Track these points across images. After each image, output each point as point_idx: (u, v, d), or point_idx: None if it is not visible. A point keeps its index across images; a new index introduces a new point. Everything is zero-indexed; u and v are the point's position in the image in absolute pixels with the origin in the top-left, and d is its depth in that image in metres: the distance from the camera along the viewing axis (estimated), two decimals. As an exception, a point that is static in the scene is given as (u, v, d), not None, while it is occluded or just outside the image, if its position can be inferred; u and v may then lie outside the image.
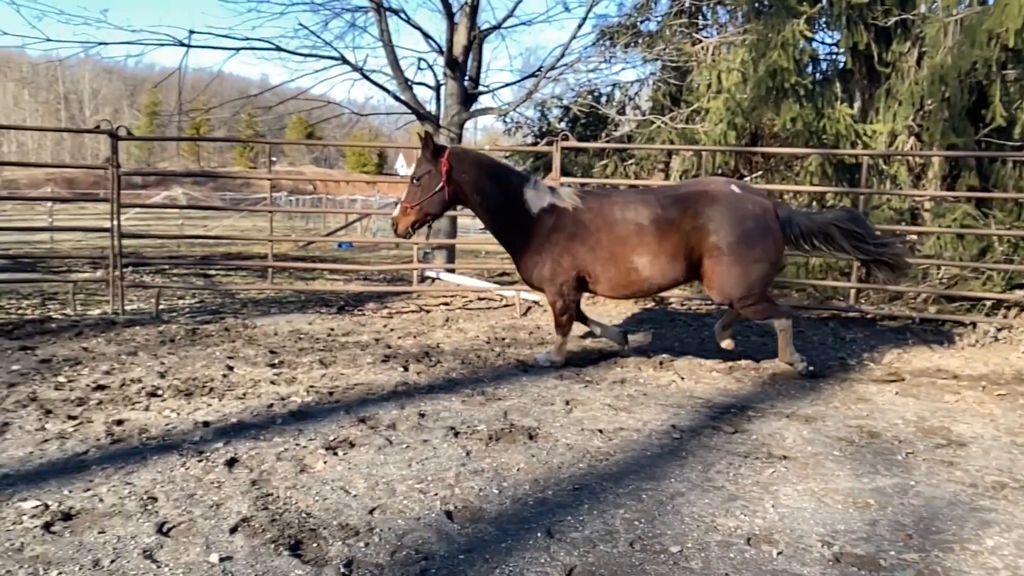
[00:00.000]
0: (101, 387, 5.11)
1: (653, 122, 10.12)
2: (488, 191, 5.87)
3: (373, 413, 4.73)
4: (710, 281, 5.72)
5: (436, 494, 3.55)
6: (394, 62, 10.44)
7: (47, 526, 3.09)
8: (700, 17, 11.57)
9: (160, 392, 5.02)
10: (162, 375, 5.50)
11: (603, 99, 11.99)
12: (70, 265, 11.36)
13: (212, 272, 11.32)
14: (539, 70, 10.62)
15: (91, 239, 16.00)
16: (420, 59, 11.26)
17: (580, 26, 9.83)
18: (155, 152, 76.48)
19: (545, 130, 11.97)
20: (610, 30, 11.92)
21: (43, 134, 78.08)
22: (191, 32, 8.71)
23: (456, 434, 4.37)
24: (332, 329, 7.48)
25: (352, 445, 4.16)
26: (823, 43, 10.57)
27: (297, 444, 4.15)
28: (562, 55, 9.90)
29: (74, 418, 4.45)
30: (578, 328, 6.46)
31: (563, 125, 11.77)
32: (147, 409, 4.68)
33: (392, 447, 4.15)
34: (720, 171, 10.17)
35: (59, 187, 49.23)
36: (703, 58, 10.36)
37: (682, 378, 5.82)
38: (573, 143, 8.48)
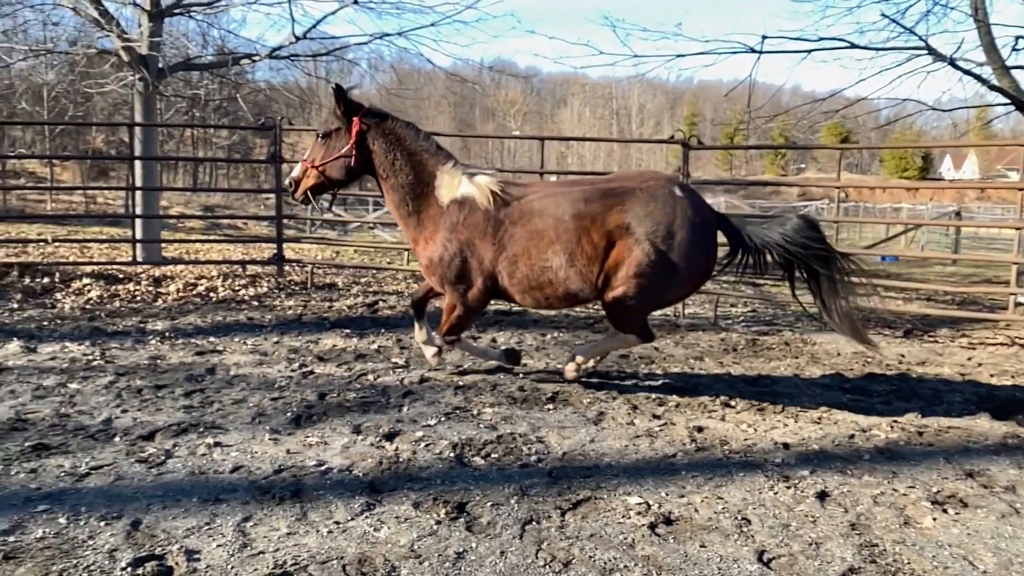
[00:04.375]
0: (677, 389, 5.29)
1: None
2: (399, 169, 5.03)
3: (981, 468, 3.95)
4: (617, 289, 4.67)
5: (1105, 599, 2.71)
6: (990, 44, 8.92)
7: (652, 527, 3.18)
8: None
9: (733, 403, 4.98)
10: (731, 385, 5.49)
11: None
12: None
13: (761, 281, 11.28)
14: None
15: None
16: (1018, 37, 9.43)
17: None
18: (691, 161, 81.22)
19: None
20: None
21: (598, 148, 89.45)
22: (764, 37, 8.68)
23: (1114, 518, 3.36)
24: (902, 356, 6.67)
25: (964, 504, 3.50)
26: None
27: (894, 489, 3.65)
28: None
29: (658, 418, 4.65)
30: None
31: None
32: (723, 419, 4.66)
33: (1020, 517, 3.36)
34: None
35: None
36: None
37: None
38: None
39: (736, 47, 8.99)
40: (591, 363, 5.35)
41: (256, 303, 8.37)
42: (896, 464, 3.98)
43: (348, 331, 6.91)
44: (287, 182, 5.40)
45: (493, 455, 3.95)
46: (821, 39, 8.82)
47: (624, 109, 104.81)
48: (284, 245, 9.89)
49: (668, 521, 3.25)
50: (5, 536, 2.95)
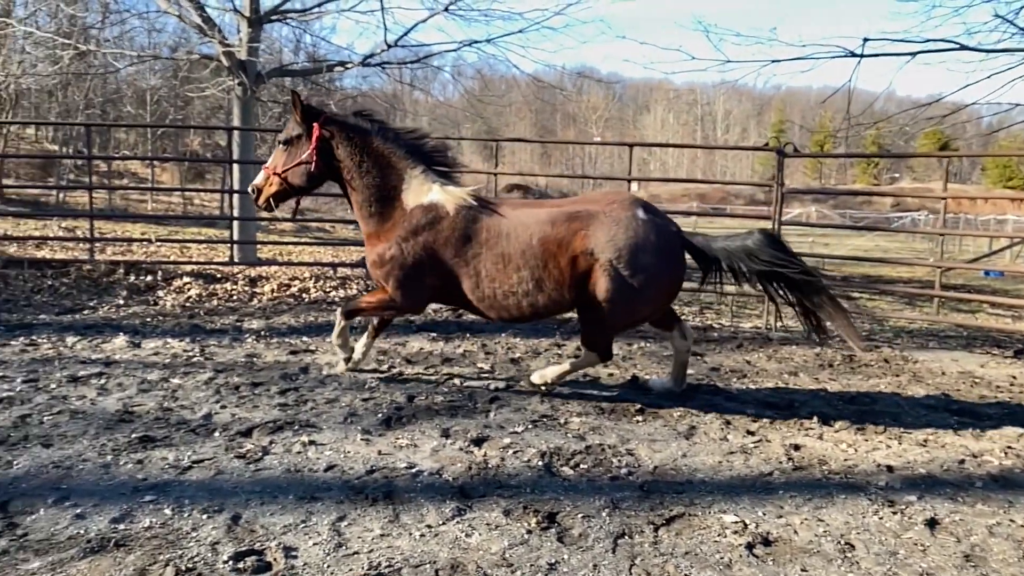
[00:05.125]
0: (771, 405, 5.13)
1: None
2: (366, 172, 5.04)
3: (1109, 501, 3.67)
4: (589, 310, 4.79)
5: None
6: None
7: (749, 547, 3.07)
8: None
9: (831, 421, 4.78)
10: (827, 401, 5.29)
11: None
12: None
13: (856, 295, 10.88)
14: None
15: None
16: None
17: None
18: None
19: None
20: None
21: (681, 155, 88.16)
22: (865, 40, 8.33)
23: None
24: (1014, 377, 6.29)
25: (1091, 540, 3.25)
26: None
27: (1011, 520, 3.43)
28: None
29: (752, 434, 4.51)
30: None
31: None
32: (821, 438, 4.48)
33: None
34: None
35: (691, 201, 54.91)
36: None
37: None
38: None
39: (835, 51, 8.67)
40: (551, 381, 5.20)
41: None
42: (1012, 493, 3.74)
43: (434, 335, 6.97)
44: (249, 189, 5.37)
45: (582, 466, 3.90)
46: (927, 40, 8.42)
47: (709, 115, 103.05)
48: (372, 248, 10.07)
49: (766, 542, 3.13)
50: (115, 524, 3.07)
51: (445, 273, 4.91)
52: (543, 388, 5.17)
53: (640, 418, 4.70)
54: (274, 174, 5.17)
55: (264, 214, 7.14)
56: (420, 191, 4.99)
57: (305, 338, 6.65)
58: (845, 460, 4.12)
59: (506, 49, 13.76)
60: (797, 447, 4.28)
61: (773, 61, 9.03)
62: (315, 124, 5.04)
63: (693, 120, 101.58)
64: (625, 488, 3.63)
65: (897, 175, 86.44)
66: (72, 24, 14.73)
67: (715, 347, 6.96)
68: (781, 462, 4.05)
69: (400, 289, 4.99)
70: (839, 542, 3.15)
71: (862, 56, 8.49)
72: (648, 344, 6.94)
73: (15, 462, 3.67)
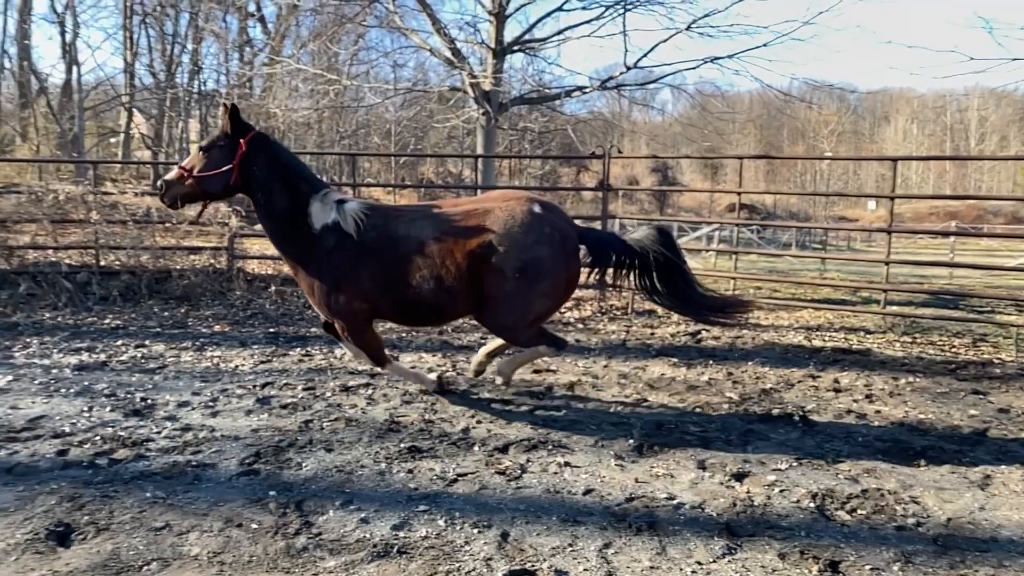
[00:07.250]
0: (1084, 457, 4.40)
1: None
2: (275, 195, 5.04)
3: None
4: (486, 308, 4.89)
5: None
6: None
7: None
8: None
9: None
10: None
11: None
12: (993, 306, 10.86)
13: None
14: None
15: (993, 277, 15.25)
16: None
17: None
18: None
19: None
20: None
21: (926, 170, 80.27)
22: None
23: None
24: None
25: None
26: None
27: None
28: None
29: (1064, 489, 3.88)
30: None
31: None
32: None
33: None
34: None
35: (939, 220, 49.71)
36: None
37: None
38: None
39: None
40: (514, 377, 5.45)
41: (581, 326, 8.61)
42: None
43: (675, 360, 6.80)
44: (158, 184, 5.27)
45: (860, 511, 3.56)
46: None
47: (960, 124, 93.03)
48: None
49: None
50: (396, 531, 3.25)
51: (361, 288, 4.93)
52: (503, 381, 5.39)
53: (922, 462, 4.22)
54: (189, 176, 5.10)
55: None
56: (323, 213, 5.03)
57: (547, 357, 6.75)
58: None
59: (749, 63, 13.30)
60: None
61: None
62: (242, 140, 5.03)
63: (941, 130, 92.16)
64: (916, 540, 3.26)
65: None
66: (333, 62, 16.33)
67: (1000, 385, 6.13)
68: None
69: (335, 313, 5.05)
70: None
71: None
72: (918, 379, 6.27)
73: (304, 464, 4.03)
